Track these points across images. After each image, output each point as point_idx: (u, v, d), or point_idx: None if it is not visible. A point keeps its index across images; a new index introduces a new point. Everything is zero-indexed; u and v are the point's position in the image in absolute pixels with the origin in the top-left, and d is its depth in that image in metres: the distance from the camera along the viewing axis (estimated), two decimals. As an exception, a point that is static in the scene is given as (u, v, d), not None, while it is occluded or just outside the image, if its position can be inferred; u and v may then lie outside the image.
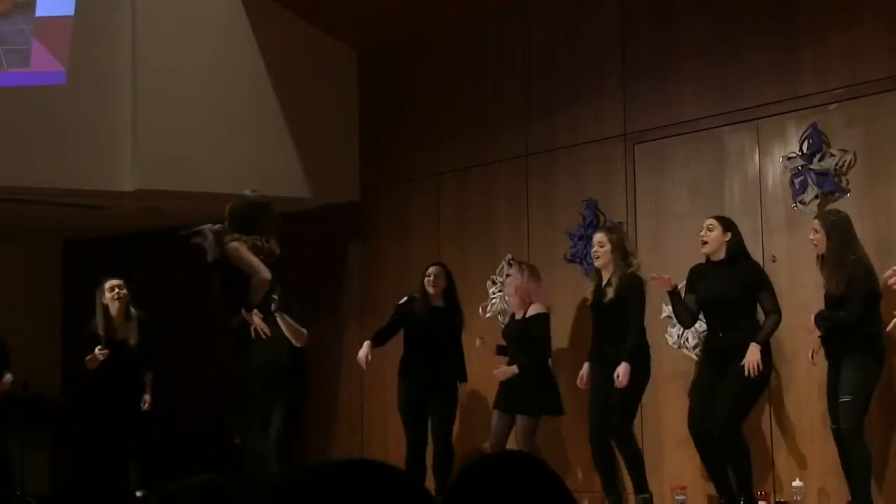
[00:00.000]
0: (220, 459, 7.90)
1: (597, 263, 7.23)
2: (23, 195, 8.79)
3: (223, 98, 8.99)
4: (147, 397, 8.25)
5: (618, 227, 7.51)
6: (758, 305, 6.74)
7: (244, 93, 9.11)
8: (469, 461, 1.85)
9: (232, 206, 6.96)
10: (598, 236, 7.27)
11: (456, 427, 8.14)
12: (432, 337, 7.97)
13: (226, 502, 1.98)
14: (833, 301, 6.34)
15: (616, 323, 7.05)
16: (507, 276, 7.98)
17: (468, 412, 8.51)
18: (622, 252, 7.14)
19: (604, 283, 7.15)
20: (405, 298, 8.15)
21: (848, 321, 6.25)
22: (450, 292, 8.07)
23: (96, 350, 8.00)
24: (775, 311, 6.66)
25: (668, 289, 6.87)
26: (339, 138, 9.65)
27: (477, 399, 8.51)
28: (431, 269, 8.08)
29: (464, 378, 8.03)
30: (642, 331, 7.09)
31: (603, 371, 7.09)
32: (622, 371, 6.87)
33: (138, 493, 8.16)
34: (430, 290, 8.01)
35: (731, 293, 6.67)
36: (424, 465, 7.92)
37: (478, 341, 7.87)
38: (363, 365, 7.91)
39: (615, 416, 7.05)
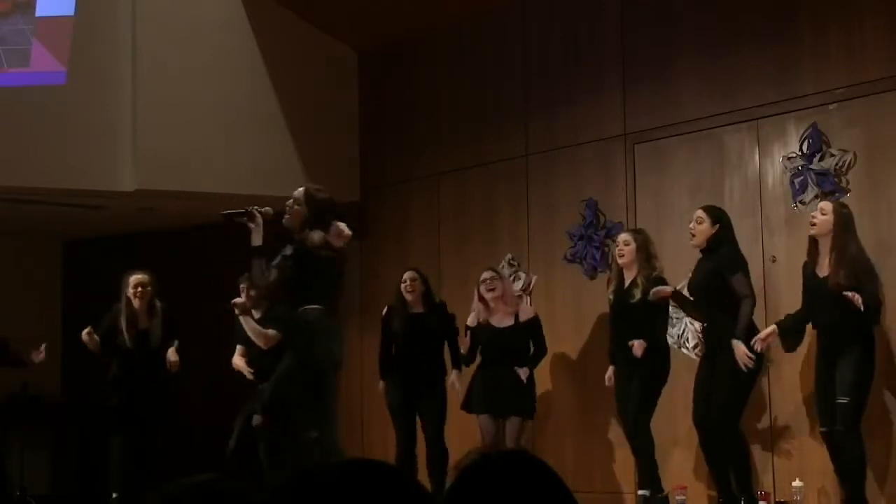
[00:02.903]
0: (221, 459, 7.89)
1: (620, 262, 7.16)
2: (23, 195, 8.79)
3: (223, 98, 8.99)
4: (171, 358, 8.02)
5: (643, 230, 7.42)
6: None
7: (244, 93, 9.12)
8: (469, 461, 1.85)
9: (312, 198, 6.51)
10: (624, 236, 7.22)
11: (450, 427, 8.12)
12: (416, 344, 7.88)
13: (226, 502, 1.97)
14: (832, 295, 6.15)
15: (640, 324, 6.98)
16: (493, 279, 7.71)
17: (461, 413, 8.50)
18: (646, 254, 7.09)
19: (626, 283, 7.12)
20: (385, 309, 8.08)
21: (870, 300, 6.09)
22: (428, 296, 7.97)
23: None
24: (748, 295, 6.52)
25: (668, 295, 6.81)
26: (339, 138, 9.65)
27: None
28: (407, 275, 7.97)
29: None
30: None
31: (624, 370, 7.08)
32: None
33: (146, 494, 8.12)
34: (408, 296, 7.91)
35: (704, 281, 6.60)
36: (415, 465, 7.88)
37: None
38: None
39: (633, 413, 7.03)
